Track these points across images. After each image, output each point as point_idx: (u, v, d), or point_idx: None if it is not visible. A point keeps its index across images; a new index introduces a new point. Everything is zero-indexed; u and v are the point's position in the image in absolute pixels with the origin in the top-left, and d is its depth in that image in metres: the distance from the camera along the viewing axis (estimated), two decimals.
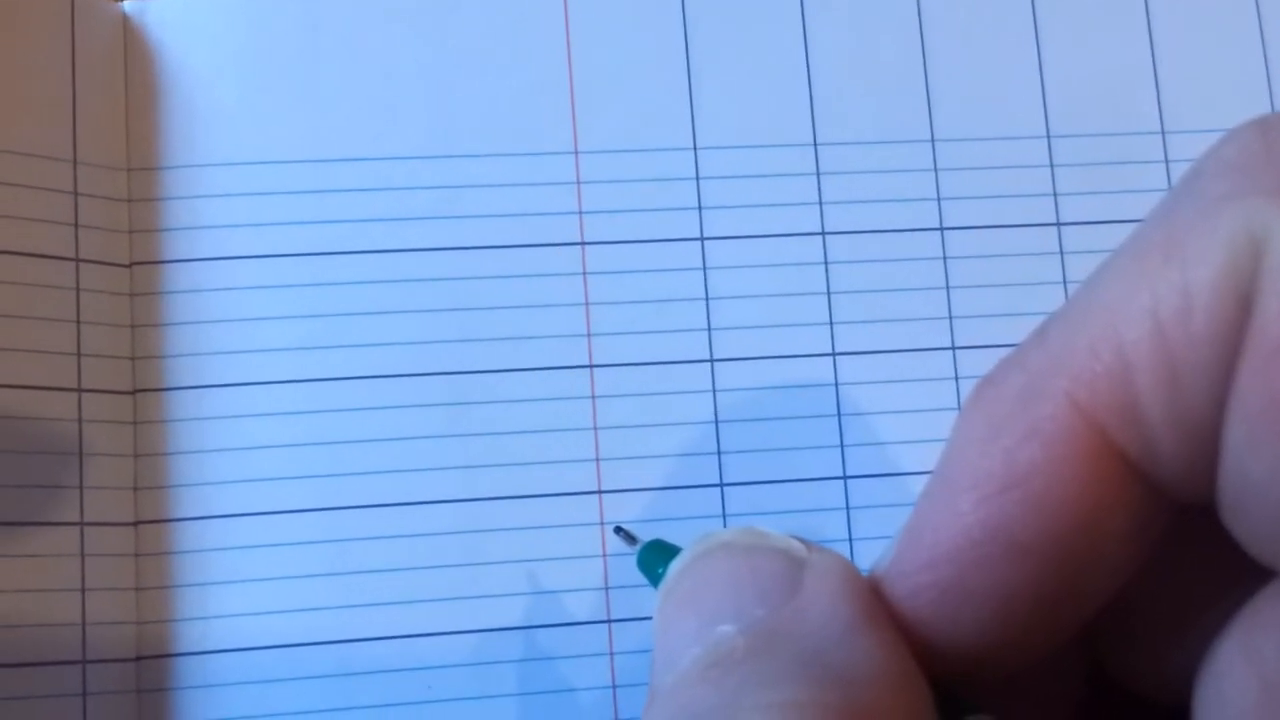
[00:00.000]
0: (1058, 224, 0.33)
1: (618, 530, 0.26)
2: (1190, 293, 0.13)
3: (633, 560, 0.30)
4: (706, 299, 0.32)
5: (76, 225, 0.29)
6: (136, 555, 0.29)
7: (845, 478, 0.31)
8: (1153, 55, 0.34)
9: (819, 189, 0.33)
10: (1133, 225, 0.33)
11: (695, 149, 0.33)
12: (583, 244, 0.32)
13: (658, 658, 0.17)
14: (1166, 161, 0.34)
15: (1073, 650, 0.18)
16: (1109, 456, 0.14)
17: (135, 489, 0.29)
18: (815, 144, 0.33)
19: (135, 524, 0.29)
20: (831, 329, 0.32)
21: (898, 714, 0.14)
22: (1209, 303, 0.13)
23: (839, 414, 0.32)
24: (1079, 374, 0.14)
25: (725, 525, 0.31)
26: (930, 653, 0.16)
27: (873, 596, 0.16)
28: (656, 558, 0.23)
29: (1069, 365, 0.14)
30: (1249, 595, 0.15)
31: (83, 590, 0.28)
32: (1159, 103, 0.34)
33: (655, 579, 0.22)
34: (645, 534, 0.30)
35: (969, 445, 0.15)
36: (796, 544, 0.17)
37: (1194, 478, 0.14)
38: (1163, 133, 0.34)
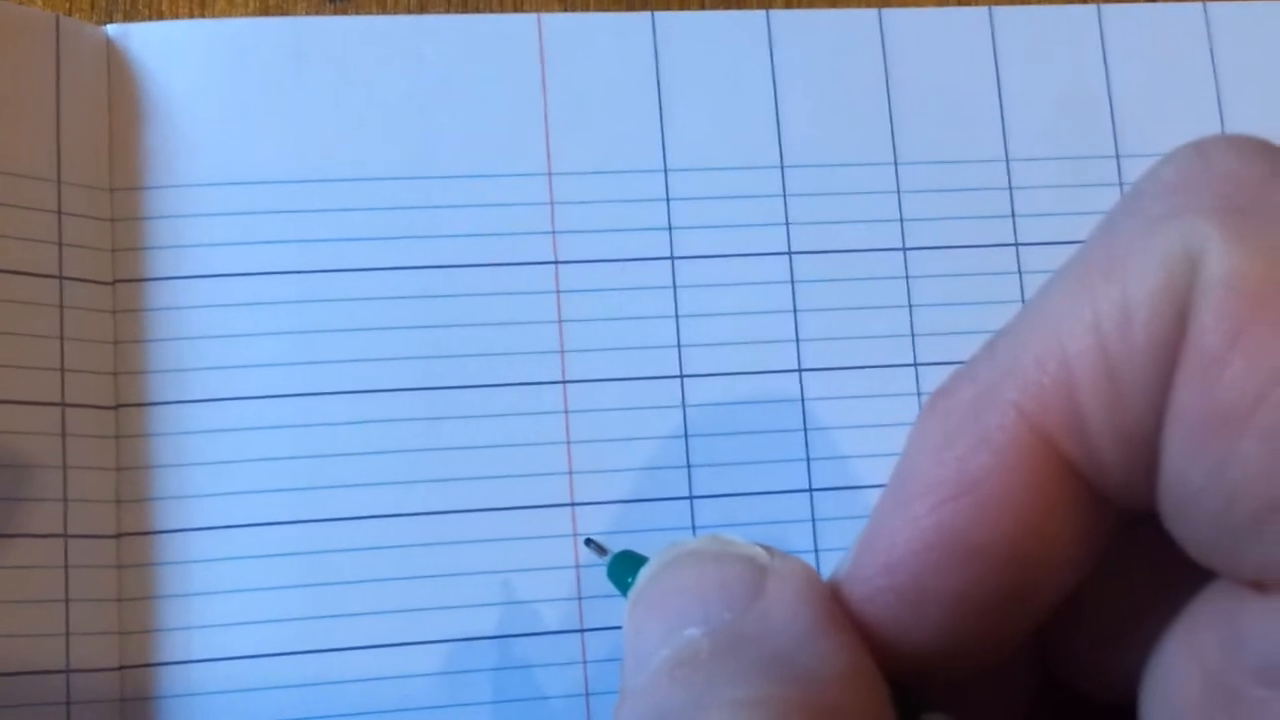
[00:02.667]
0: (1016, 244, 0.34)
1: (588, 542, 0.27)
2: (1129, 307, 0.14)
3: (604, 571, 0.31)
4: (676, 316, 0.33)
5: (60, 244, 0.30)
6: (119, 567, 0.29)
7: (811, 490, 0.32)
8: (1107, 80, 0.36)
9: (785, 210, 0.34)
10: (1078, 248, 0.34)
11: (665, 171, 0.33)
12: (556, 263, 0.33)
13: (628, 660, 0.17)
14: (1120, 184, 0.35)
15: (1026, 652, 0.19)
16: (1055, 464, 0.15)
17: (117, 502, 0.30)
18: (782, 166, 0.34)
19: (118, 536, 0.30)
20: (798, 346, 0.33)
21: (857, 711, 0.15)
22: (1147, 317, 0.14)
23: (805, 428, 0.33)
24: (1026, 385, 0.15)
25: (694, 536, 0.32)
26: (889, 654, 0.16)
27: (833, 601, 0.16)
28: (626, 568, 0.23)
29: (1016, 377, 0.15)
30: (1192, 596, 0.15)
31: (66, 601, 0.28)
32: (1113, 127, 0.35)
33: (625, 588, 0.22)
34: (616, 545, 0.31)
35: (923, 453, 0.16)
36: (760, 551, 0.17)
37: (1136, 484, 0.15)
38: (1117, 156, 0.35)
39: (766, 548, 0.17)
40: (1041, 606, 0.16)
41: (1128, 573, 0.17)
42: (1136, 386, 0.14)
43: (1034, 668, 0.19)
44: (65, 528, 0.29)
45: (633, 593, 0.18)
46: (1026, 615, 0.16)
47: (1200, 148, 0.15)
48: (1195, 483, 0.14)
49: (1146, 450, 0.15)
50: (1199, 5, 0.36)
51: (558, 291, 0.32)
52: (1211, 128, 0.36)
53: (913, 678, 0.17)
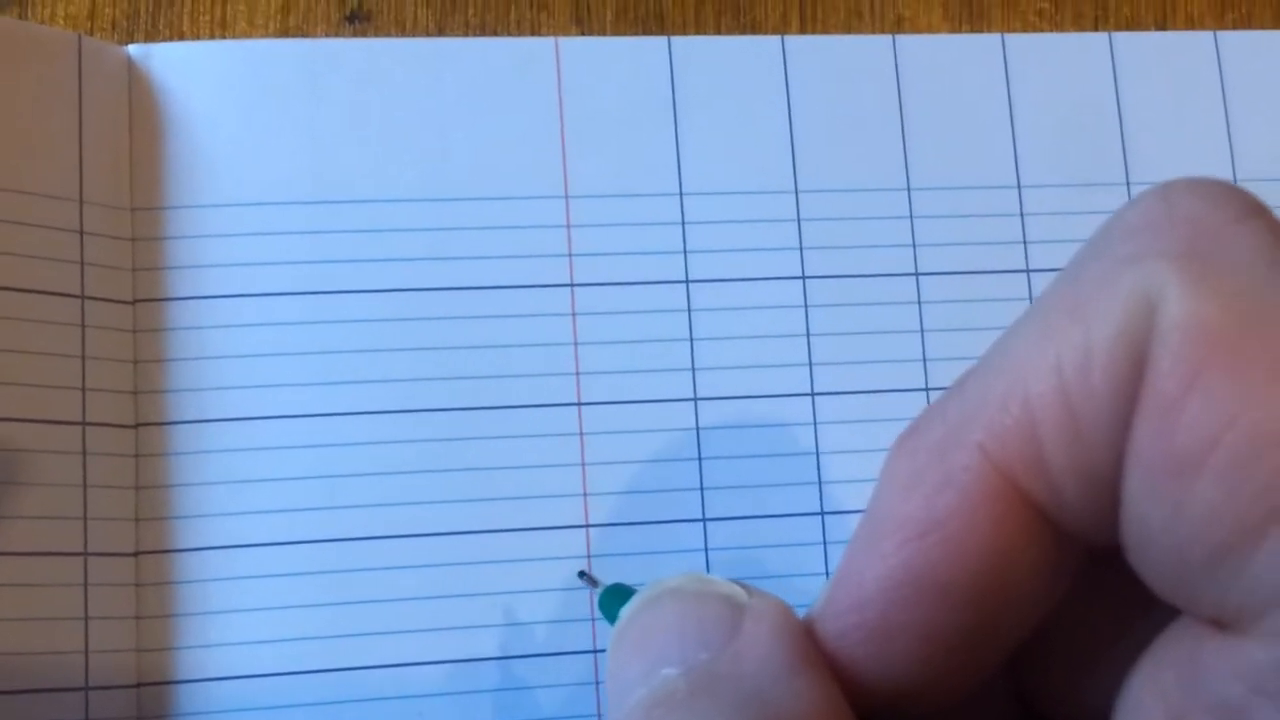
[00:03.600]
0: (1027, 270, 0.35)
1: (581, 574, 0.27)
2: (1091, 350, 0.14)
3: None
4: (691, 339, 0.33)
5: (82, 263, 0.30)
6: (137, 585, 0.30)
7: (823, 513, 0.33)
8: (1118, 107, 0.36)
9: (799, 234, 0.34)
10: None
11: (681, 194, 0.34)
12: (572, 285, 0.33)
13: (610, 698, 0.18)
14: None
15: (1000, 682, 0.19)
16: (1018, 503, 0.15)
17: (137, 520, 0.30)
18: (796, 191, 0.34)
19: (136, 554, 0.30)
20: (810, 370, 0.33)
21: None
22: (1107, 360, 0.14)
23: (817, 452, 0.33)
24: (990, 426, 0.15)
25: (707, 559, 0.32)
26: (863, 689, 0.17)
27: (807, 639, 0.17)
28: (616, 601, 0.24)
29: (982, 417, 0.15)
30: (1159, 629, 0.16)
31: (85, 619, 0.29)
32: (1124, 154, 0.36)
33: (614, 620, 0.23)
34: (628, 568, 0.31)
35: (892, 493, 0.16)
36: (739, 589, 0.17)
37: (1098, 522, 0.15)
38: (1128, 184, 0.35)
39: (745, 586, 0.18)
40: (1009, 639, 0.17)
41: (1098, 605, 0.18)
42: (1097, 427, 0.15)
43: (1009, 697, 0.19)
44: (85, 546, 0.29)
45: (615, 630, 0.18)
46: (995, 648, 0.17)
47: (1164, 191, 0.15)
48: (1154, 523, 0.14)
49: (1108, 489, 0.15)
50: (1209, 34, 0.37)
51: (574, 314, 0.33)
52: (1221, 155, 0.36)
53: (887, 712, 0.17)
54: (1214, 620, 0.15)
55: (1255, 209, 0.15)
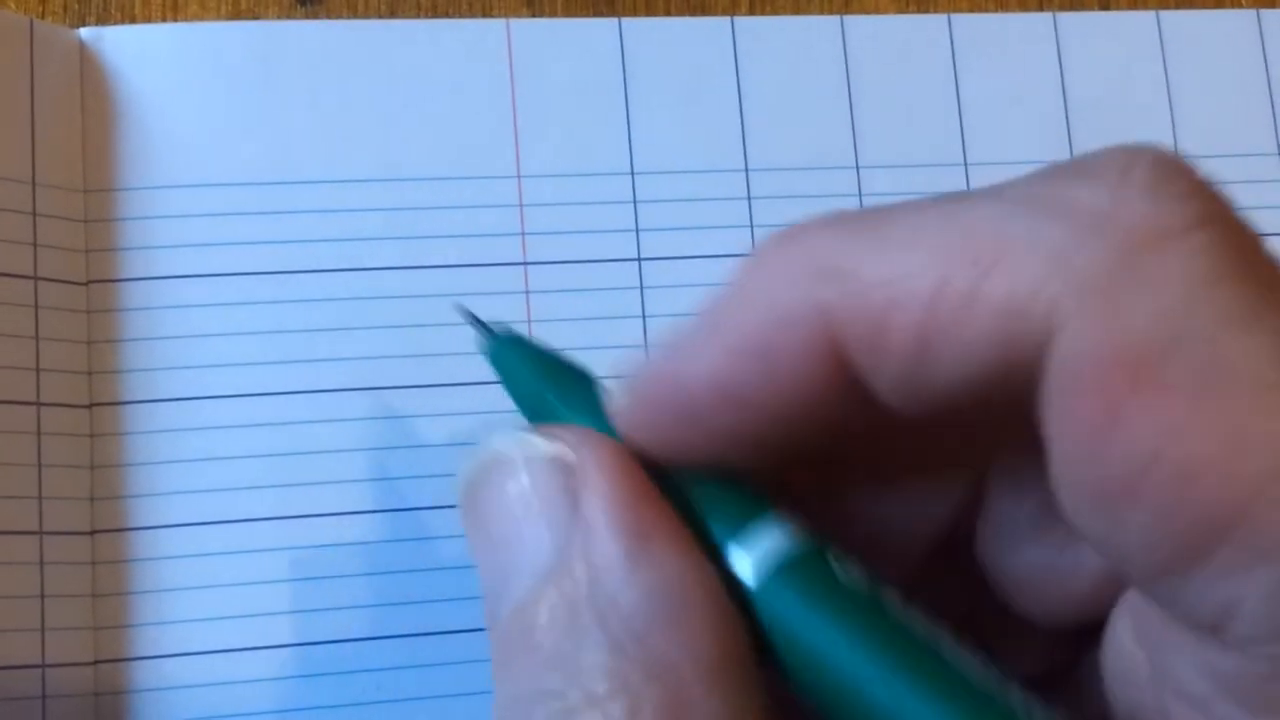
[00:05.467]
0: None
1: (462, 310, 0.24)
2: (972, 308, 0.14)
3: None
4: (643, 317, 0.33)
5: (35, 244, 0.30)
6: (93, 563, 0.30)
7: None
8: (1063, 86, 0.36)
9: (750, 212, 0.34)
10: None
11: (633, 174, 0.34)
12: (525, 264, 0.33)
13: (482, 583, 0.18)
14: None
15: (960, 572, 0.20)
16: (835, 364, 0.16)
17: (92, 499, 0.30)
18: (746, 170, 0.35)
19: (92, 533, 0.30)
20: None
21: (690, 643, 0.16)
22: (979, 331, 0.14)
23: None
24: (847, 291, 0.15)
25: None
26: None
27: (641, 486, 0.17)
28: (511, 358, 0.21)
29: (845, 279, 0.15)
30: None
31: (41, 596, 0.29)
32: (1068, 132, 0.36)
33: (509, 382, 0.21)
34: None
35: (745, 299, 0.17)
36: (564, 449, 0.17)
37: (903, 404, 0.16)
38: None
39: (566, 431, 0.18)
40: (795, 447, 0.17)
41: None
42: (943, 359, 0.15)
43: (973, 587, 0.20)
44: (40, 525, 0.29)
45: (459, 502, 0.18)
46: (785, 450, 0.17)
47: (1123, 172, 0.14)
48: (1095, 536, 0.15)
49: (933, 401, 0.15)
50: (1152, 14, 0.37)
51: (527, 292, 0.33)
52: (1163, 133, 0.37)
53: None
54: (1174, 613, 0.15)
55: (1209, 216, 0.14)
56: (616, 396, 0.18)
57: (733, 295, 0.17)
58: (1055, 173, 0.15)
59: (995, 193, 0.15)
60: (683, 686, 0.15)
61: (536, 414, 0.20)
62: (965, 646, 0.16)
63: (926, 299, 0.15)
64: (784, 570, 0.17)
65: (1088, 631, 0.18)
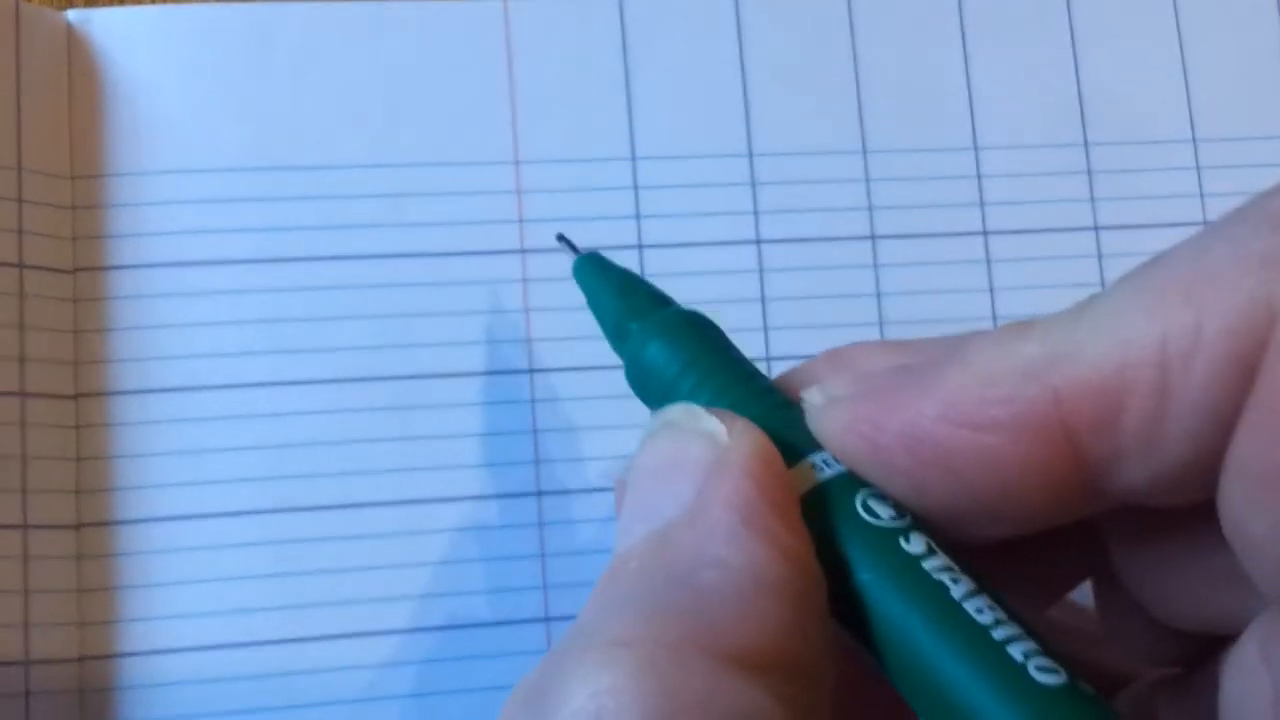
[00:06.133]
0: (984, 233, 0.34)
1: (560, 238, 0.25)
2: (1200, 339, 0.14)
3: (570, 561, 0.31)
4: None
5: (20, 231, 0.30)
6: (79, 557, 0.29)
7: None
8: (1075, 67, 0.36)
9: (754, 198, 0.34)
10: (1057, 234, 0.34)
11: (633, 159, 0.33)
12: (523, 251, 0.32)
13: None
14: (1089, 171, 0.35)
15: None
16: (1065, 454, 0.15)
17: (78, 492, 0.30)
18: (750, 154, 0.34)
19: (78, 527, 0.29)
20: (766, 334, 0.33)
21: (739, 632, 0.15)
22: (1213, 355, 0.14)
23: None
24: (1075, 378, 0.15)
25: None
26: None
27: (772, 486, 0.17)
28: (590, 271, 0.23)
29: (1070, 365, 0.15)
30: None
31: (25, 591, 0.28)
32: (1082, 114, 0.35)
33: (589, 292, 0.23)
34: (581, 535, 0.31)
35: (977, 362, 0.16)
36: (720, 428, 0.17)
37: (1147, 491, 0.15)
38: (1085, 144, 0.35)
39: (731, 418, 0.18)
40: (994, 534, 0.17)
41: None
42: (1183, 414, 0.14)
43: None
44: (25, 518, 0.29)
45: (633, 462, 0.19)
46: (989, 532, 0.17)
47: None
48: (1256, 533, 0.14)
49: (1176, 471, 0.15)
50: None
51: (524, 280, 0.32)
52: (1180, 114, 0.36)
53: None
54: None
55: None
56: (827, 390, 0.18)
57: (974, 352, 0.16)
58: (1235, 209, 0.15)
59: (1182, 243, 0.15)
60: (693, 674, 0.15)
61: (618, 335, 0.21)
62: (991, 597, 0.16)
63: (1155, 359, 0.14)
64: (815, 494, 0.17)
65: (1215, 641, 0.17)
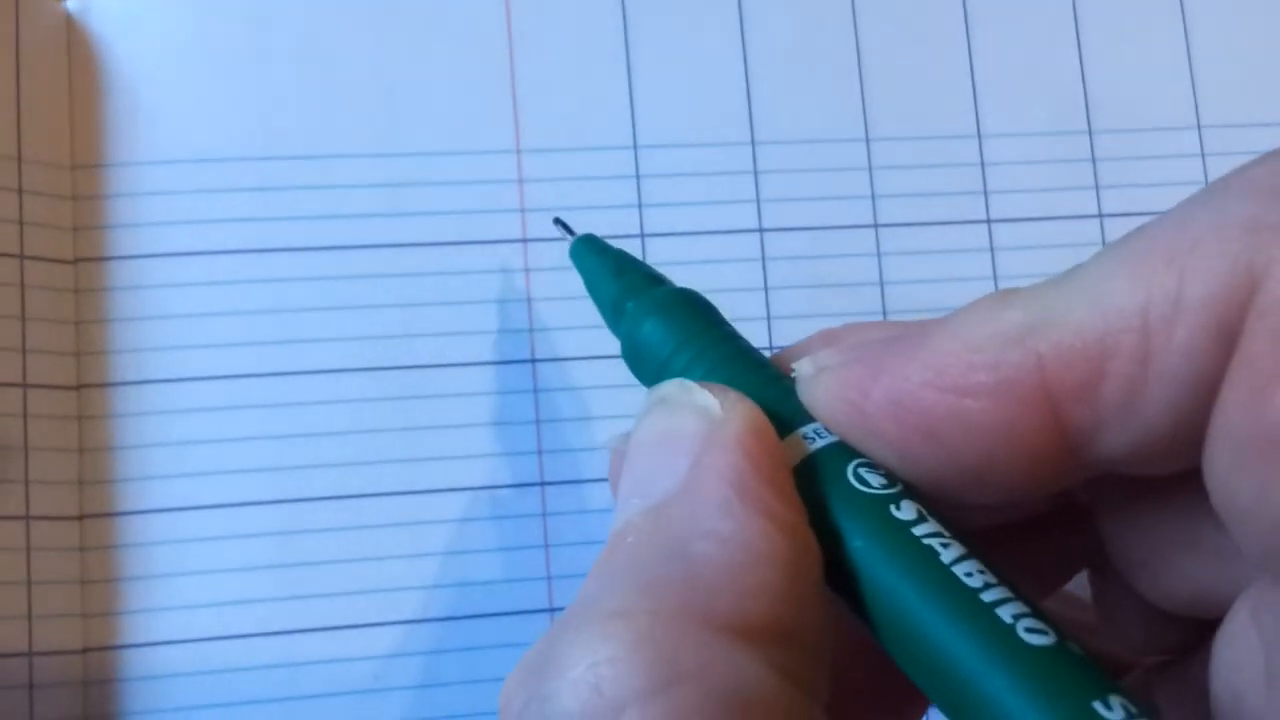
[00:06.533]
0: (988, 221, 0.34)
1: (556, 221, 0.26)
2: (1181, 304, 0.14)
3: (574, 551, 0.31)
4: None
5: (21, 222, 0.30)
6: (82, 549, 0.29)
7: None
8: (1079, 55, 0.35)
9: (756, 187, 0.33)
10: (1061, 222, 0.34)
11: (635, 147, 0.33)
12: (525, 241, 0.32)
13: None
14: (1093, 159, 0.35)
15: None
16: (1047, 420, 0.15)
17: (80, 483, 0.29)
18: (753, 143, 0.34)
19: (80, 518, 0.29)
20: (769, 324, 0.33)
21: (734, 602, 0.15)
22: (1195, 320, 0.14)
23: None
24: (1059, 344, 0.15)
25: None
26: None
27: (765, 457, 0.17)
28: (586, 252, 0.23)
29: (1053, 331, 0.15)
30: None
31: (28, 583, 0.28)
32: (1086, 102, 0.35)
33: (585, 273, 0.23)
34: (583, 527, 0.31)
35: (965, 328, 0.16)
36: (714, 401, 0.18)
37: (1129, 459, 0.15)
38: (1090, 132, 0.35)
39: (724, 391, 0.18)
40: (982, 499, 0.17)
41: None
42: (1165, 379, 0.14)
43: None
44: (27, 510, 0.28)
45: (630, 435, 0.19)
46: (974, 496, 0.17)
47: None
48: (1242, 499, 0.14)
49: (1156, 435, 0.15)
50: None
51: (527, 270, 0.32)
52: (1184, 100, 0.36)
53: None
54: None
55: None
56: (818, 361, 0.18)
57: (960, 323, 0.16)
58: (1218, 179, 0.15)
59: (1166, 213, 0.15)
60: (689, 644, 0.15)
61: (614, 314, 0.22)
62: (981, 561, 0.16)
63: (1137, 324, 0.15)
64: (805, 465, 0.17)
65: (1209, 627, 0.17)
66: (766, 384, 0.19)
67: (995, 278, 0.34)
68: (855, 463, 0.17)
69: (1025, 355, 0.15)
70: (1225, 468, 0.14)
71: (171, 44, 0.32)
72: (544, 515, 0.31)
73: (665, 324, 0.20)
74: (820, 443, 0.17)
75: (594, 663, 0.15)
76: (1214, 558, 0.17)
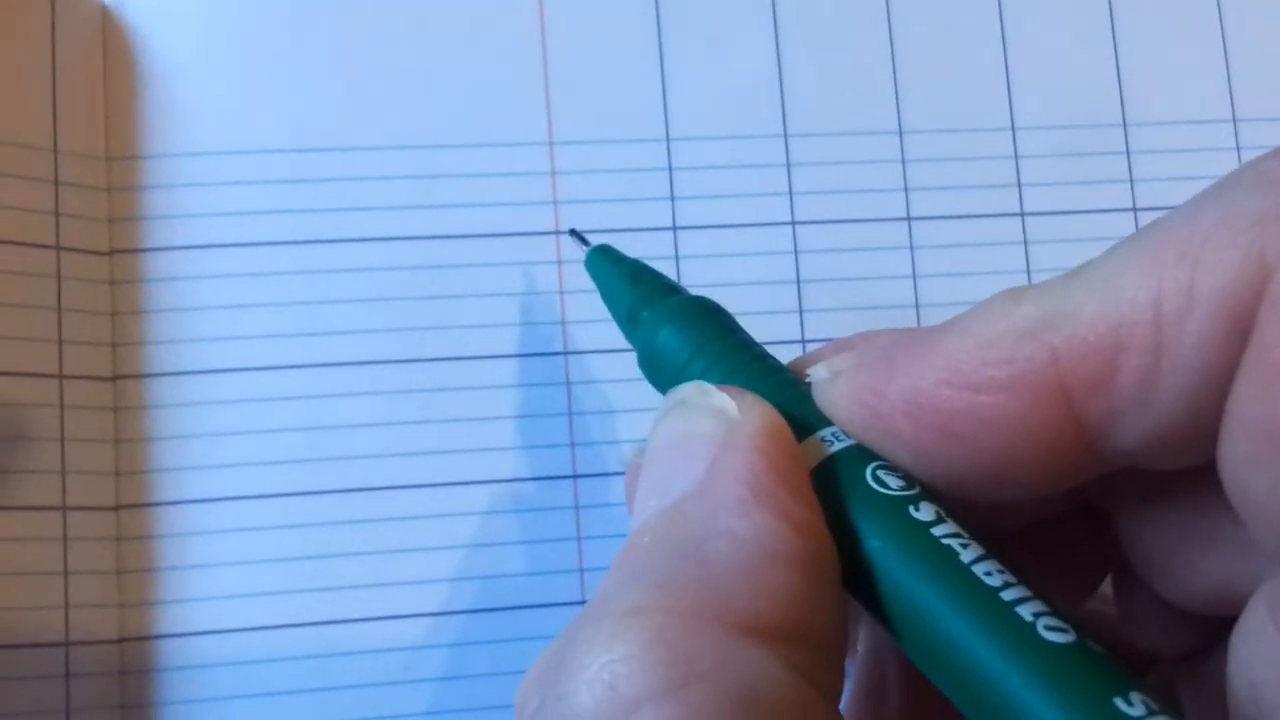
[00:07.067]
0: (1022, 214, 0.34)
1: (572, 232, 0.26)
2: (1193, 297, 0.14)
3: (606, 544, 0.31)
4: None
5: (57, 214, 0.30)
6: (118, 539, 0.29)
7: None
8: (1115, 49, 0.35)
9: (789, 179, 0.33)
10: (1095, 215, 0.34)
11: (668, 140, 0.33)
12: (557, 233, 0.32)
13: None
14: (1128, 153, 0.35)
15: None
16: (1062, 413, 0.15)
17: (116, 474, 0.30)
18: (786, 135, 0.34)
19: (116, 508, 0.29)
20: (801, 316, 0.33)
21: (750, 601, 0.15)
22: (1207, 312, 0.14)
23: None
24: (1072, 338, 0.15)
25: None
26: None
27: (781, 459, 0.17)
28: (602, 262, 0.24)
29: (1067, 326, 0.15)
30: None
31: (65, 573, 0.28)
32: (1120, 96, 0.35)
33: (601, 282, 0.23)
34: (613, 519, 0.31)
35: (976, 328, 0.16)
36: (731, 404, 0.18)
37: (1144, 452, 0.15)
38: (1124, 125, 0.35)
39: (741, 394, 0.18)
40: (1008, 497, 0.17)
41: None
42: (1178, 371, 0.14)
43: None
44: (64, 500, 0.29)
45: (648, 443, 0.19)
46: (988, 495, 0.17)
47: None
48: (1257, 491, 0.14)
49: (1169, 428, 0.15)
50: None
51: (559, 262, 0.32)
52: (1220, 94, 0.35)
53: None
54: None
55: None
56: (833, 365, 0.18)
57: (973, 322, 0.17)
58: (1230, 173, 0.15)
59: (1179, 207, 0.15)
60: (704, 642, 0.15)
61: (630, 323, 0.22)
62: (1000, 561, 0.16)
63: (1150, 317, 0.15)
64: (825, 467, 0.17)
65: (1228, 625, 0.17)
66: (783, 389, 0.19)
67: (1029, 271, 0.34)
68: (873, 465, 0.17)
69: (1039, 349, 0.15)
70: (1240, 460, 0.14)
71: (207, 36, 0.32)
72: (576, 508, 0.31)
73: (681, 331, 0.21)
74: (838, 445, 0.18)
75: (609, 661, 0.15)
76: (1231, 553, 0.17)
